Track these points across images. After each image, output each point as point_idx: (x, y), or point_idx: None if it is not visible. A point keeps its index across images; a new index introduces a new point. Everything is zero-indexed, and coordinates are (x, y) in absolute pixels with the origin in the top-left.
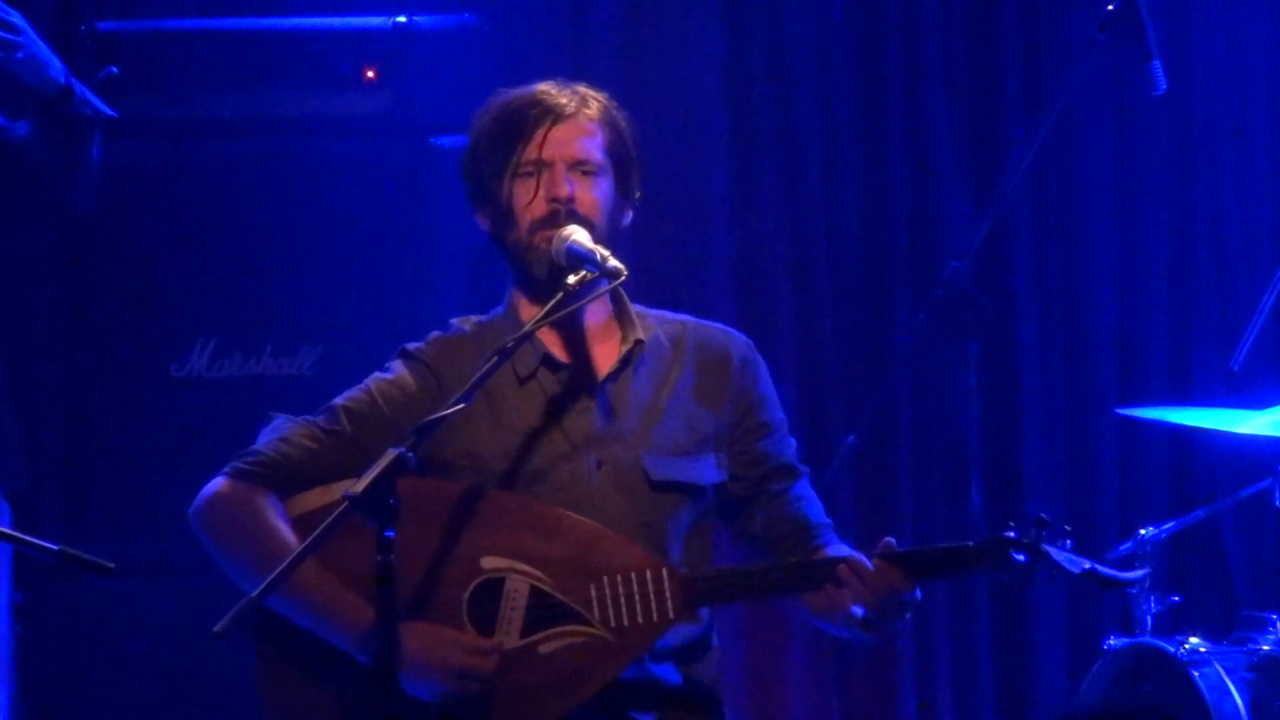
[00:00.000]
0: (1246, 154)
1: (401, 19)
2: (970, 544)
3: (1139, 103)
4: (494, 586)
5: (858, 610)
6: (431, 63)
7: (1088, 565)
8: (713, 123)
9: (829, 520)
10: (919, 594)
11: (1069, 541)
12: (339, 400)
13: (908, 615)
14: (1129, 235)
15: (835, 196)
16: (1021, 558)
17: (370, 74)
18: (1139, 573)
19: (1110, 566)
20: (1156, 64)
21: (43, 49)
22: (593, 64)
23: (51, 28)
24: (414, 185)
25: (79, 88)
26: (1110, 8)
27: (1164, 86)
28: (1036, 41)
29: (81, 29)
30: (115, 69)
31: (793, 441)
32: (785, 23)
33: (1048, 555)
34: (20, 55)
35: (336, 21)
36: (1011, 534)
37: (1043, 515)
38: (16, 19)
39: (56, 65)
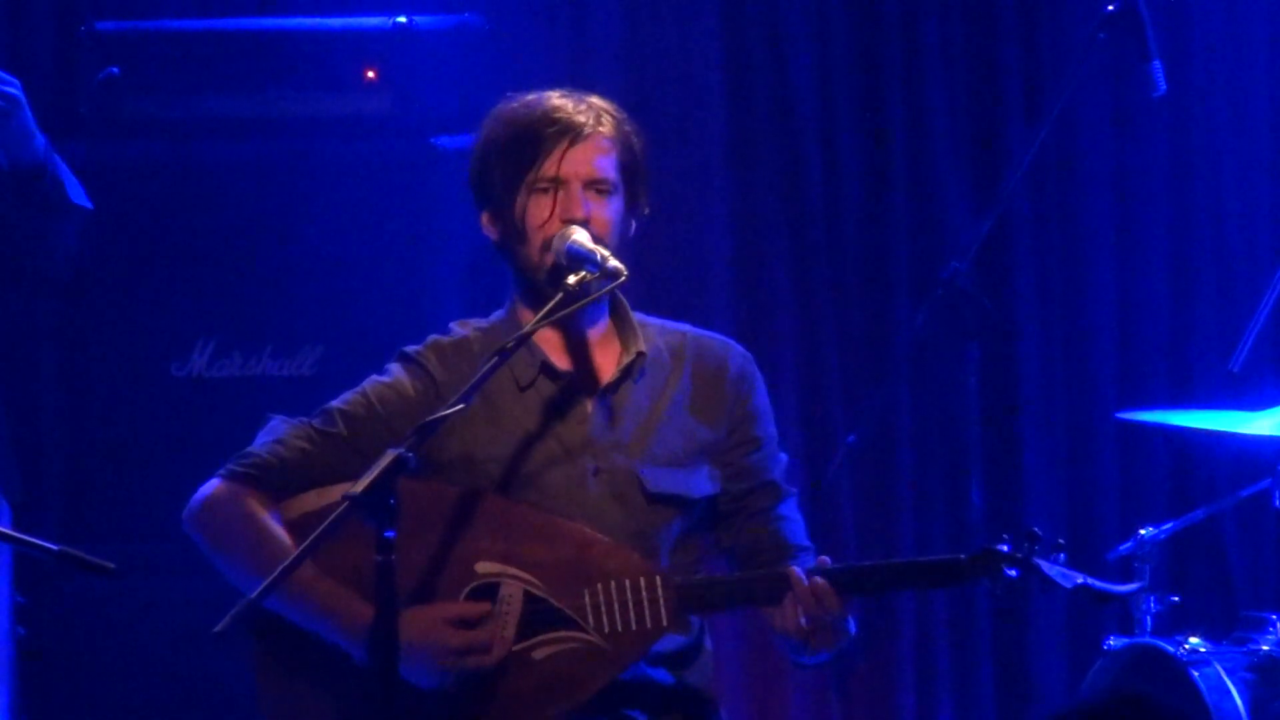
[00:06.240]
0: (1246, 154)
1: (402, 19)
2: (963, 557)
3: (1139, 103)
4: (489, 591)
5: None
6: (432, 63)
7: (1081, 580)
8: (712, 123)
9: (810, 544)
10: (853, 627)
11: (1062, 555)
12: (335, 403)
13: (840, 644)
14: (1129, 235)
15: (835, 197)
16: (1013, 573)
17: (370, 74)
18: (1133, 585)
19: (1104, 580)
20: (1156, 64)
21: (31, 122)
22: (593, 65)
23: (51, 28)
24: (414, 185)
25: (61, 169)
26: (1110, 8)
27: (1164, 87)
28: (1036, 41)
29: (81, 29)
30: (115, 69)
31: (783, 459)
32: (784, 23)
33: (1039, 570)
34: (13, 124)
35: (336, 21)
36: (1004, 547)
37: (1035, 529)
38: (14, 88)
39: (40, 142)
